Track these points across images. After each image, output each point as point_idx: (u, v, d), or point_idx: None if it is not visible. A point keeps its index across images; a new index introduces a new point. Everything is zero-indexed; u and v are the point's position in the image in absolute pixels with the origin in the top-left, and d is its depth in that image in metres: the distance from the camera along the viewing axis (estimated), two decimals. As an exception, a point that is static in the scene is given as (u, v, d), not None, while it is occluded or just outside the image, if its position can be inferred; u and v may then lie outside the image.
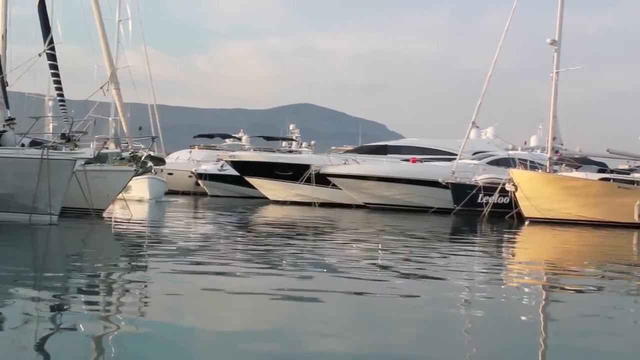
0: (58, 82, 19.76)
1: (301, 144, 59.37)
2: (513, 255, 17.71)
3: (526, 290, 10.81)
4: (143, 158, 20.10)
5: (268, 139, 59.96)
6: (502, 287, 11.00)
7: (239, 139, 63.36)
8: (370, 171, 36.80)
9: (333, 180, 37.12)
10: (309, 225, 24.08)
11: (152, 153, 53.53)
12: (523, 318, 8.16)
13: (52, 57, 19.11)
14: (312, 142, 61.58)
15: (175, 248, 14.11)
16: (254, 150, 47.74)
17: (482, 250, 17.50)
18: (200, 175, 50.57)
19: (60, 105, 20.75)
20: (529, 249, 20.70)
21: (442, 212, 34.43)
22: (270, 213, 32.21)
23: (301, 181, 38.17)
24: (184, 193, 51.13)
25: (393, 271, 11.83)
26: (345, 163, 37.82)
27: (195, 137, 61.95)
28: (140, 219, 22.67)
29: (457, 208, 33.51)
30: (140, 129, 76.53)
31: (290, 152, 49.76)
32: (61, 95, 20.00)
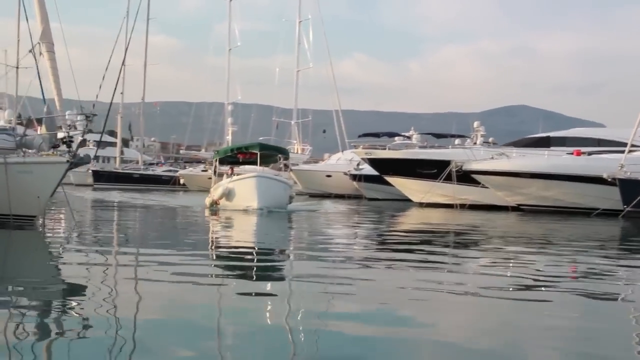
0: None
1: (475, 142, 53.59)
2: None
3: None
4: (79, 143, 14.61)
5: (438, 136, 54.93)
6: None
7: (409, 137, 58.83)
8: (522, 167, 31.02)
9: (478, 177, 31.89)
10: (435, 234, 18.93)
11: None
12: None
13: None
14: (490, 139, 55.52)
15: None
16: (419, 148, 43.20)
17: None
18: (355, 177, 46.83)
19: None
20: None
21: (608, 214, 28.14)
22: (395, 220, 27.20)
23: (440, 179, 33.16)
24: (338, 196, 47.72)
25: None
26: (492, 158, 32.26)
27: (360, 135, 58.29)
28: (86, 229, 16.24)
29: (627, 209, 27.03)
30: (324, 132, 74.81)
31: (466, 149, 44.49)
32: None
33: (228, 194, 25.90)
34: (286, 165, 33.10)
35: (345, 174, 47.95)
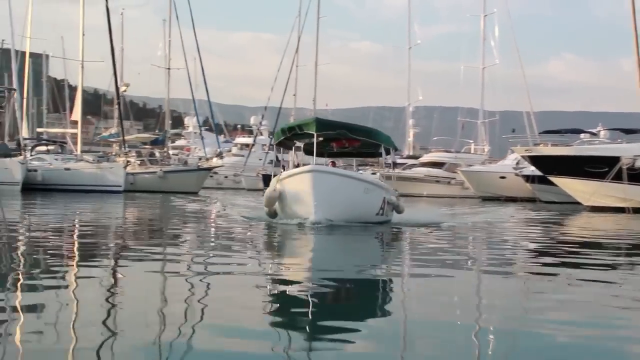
0: None
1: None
2: None
3: None
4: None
5: (628, 131, 49.31)
6: None
7: (595, 133, 53.53)
8: None
9: (654, 176, 27.46)
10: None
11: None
12: None
13: None
14: (694, 134, 49.05)
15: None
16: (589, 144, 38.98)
17: None
18: (527, 178, 42.94)
19: None
20: None
21: None
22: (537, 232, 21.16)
23: (608, 179, 28.93)
24: (509, 199, 43.97)
25: None
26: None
27: (540, 133, 53.88)
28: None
29: None
30: (513, 131, 70.78)
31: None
32: None
33: (280, 199, 16.47)
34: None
35: (517, 175, 44.19)
